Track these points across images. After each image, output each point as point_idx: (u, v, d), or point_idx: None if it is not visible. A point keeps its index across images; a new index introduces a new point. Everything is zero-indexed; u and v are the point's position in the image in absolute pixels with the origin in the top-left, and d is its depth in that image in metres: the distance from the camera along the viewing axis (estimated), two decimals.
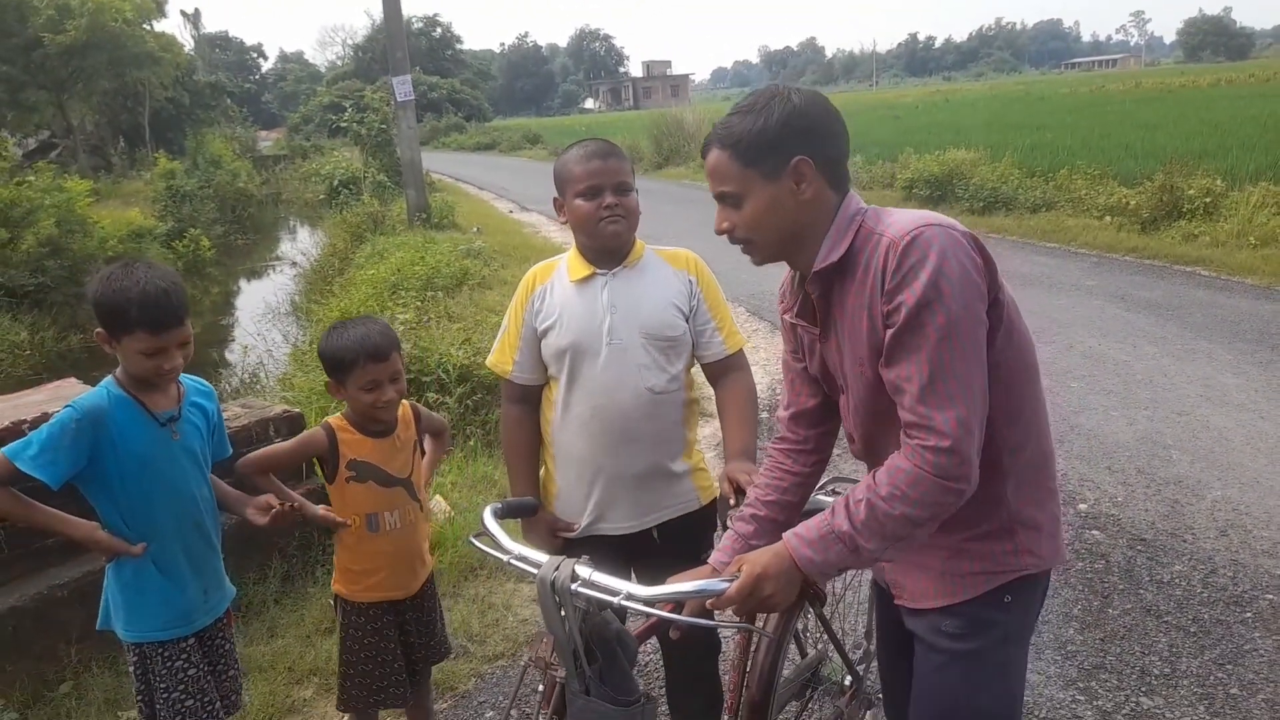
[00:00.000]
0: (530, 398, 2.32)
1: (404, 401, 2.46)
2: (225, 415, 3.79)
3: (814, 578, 1.54)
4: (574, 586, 1.53)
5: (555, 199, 2.20)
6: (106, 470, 2.05)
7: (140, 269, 2.02)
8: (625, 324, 2.16)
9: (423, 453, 2.54)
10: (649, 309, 2.18)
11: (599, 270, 2.18)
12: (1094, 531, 3.93)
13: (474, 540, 1.77)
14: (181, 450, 2.16)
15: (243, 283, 17.36)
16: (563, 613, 1.55)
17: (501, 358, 2.30)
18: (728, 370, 2.28)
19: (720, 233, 1.62)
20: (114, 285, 1.99)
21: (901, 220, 1.49)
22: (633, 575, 2.25)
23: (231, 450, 2.40)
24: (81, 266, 12.64)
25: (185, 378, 2.24)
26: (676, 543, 2.25)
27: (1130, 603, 3.40)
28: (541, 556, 1.63)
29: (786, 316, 1.74)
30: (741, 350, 2.30)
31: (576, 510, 2.27)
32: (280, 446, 2.46)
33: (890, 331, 1.46)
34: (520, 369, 2.28)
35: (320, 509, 2.40)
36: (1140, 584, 3.53)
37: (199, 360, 10.48)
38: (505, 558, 1.67)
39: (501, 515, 1.85)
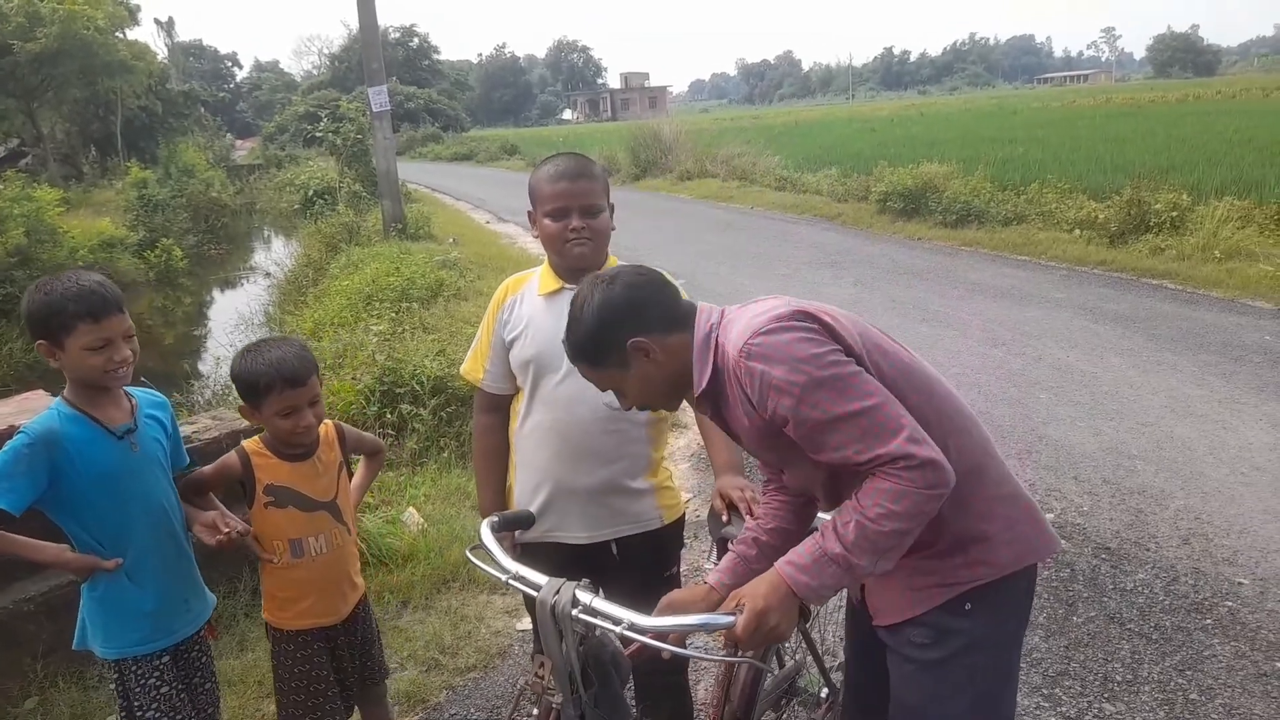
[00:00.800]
0: (501, 407, 2.35)
1: (326, 421, 2.40)
2: (195, 427, 3.81)
3: (812, 602, 1.58)
4: (574, 612, 1.53)
5: (529, 211, 2.22)
6: (70, 491, 2.02)
7: (69, 274, 2.02)
8: None
9: (351, 474, 2.49)
10: None
11: (567, 285, 2.18)
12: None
13: (470, 554, 1.77)
14: (144, 461, 2.13)
15: (216, 293, 17.22)
16: (562, 637, 1.55)
17: (473, 366, 2.34)
18: None
19: (625, 410, 1.78)
20: (45, 289, 1.98)
21: (733, 337, 1.60)
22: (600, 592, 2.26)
23: (189, 461, 2.37)
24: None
25: (136, 391, 2.21)
26: (637, 560, 2.27)
27: (1094, 610, 3.46)
28: (540, 578, 1.62)
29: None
30: None
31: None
32: (203, 470, 2.37)
33: (793, 430, 1.54)
34: (491, 378, 2.30)
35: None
36: (1104, 592, 3.59)
37: (170, 370, 10.43)
38: (504, 577, 1.67)
39: (499, 529, 1.85)
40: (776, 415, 1.53)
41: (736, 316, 1.64)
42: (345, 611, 2.41)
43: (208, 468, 2.38)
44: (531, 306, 2.23)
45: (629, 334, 1.63)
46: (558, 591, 1.56)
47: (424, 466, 5.08)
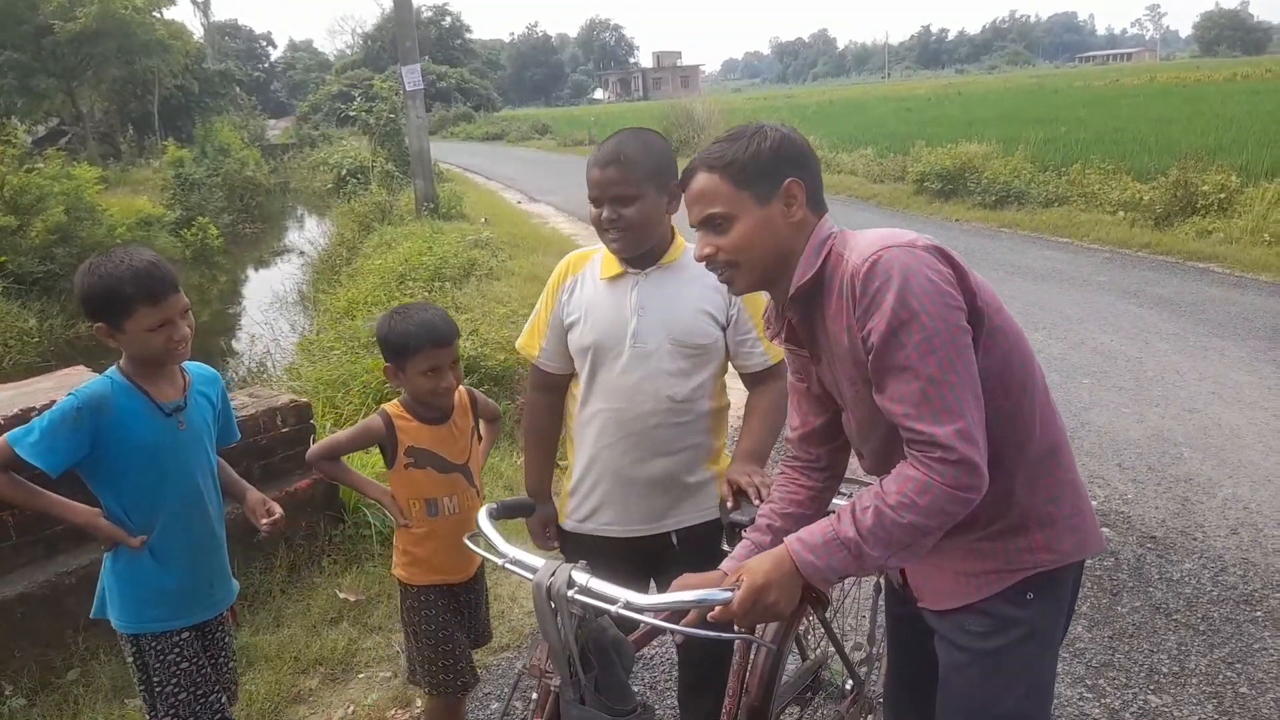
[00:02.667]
0: (556, 387, 2.28)
1: (460, 387, 2.46)
2: (233, 404, 3.82)
3: (815, 583, 1.52)
4: (570, 593, 1.49)
5: None
6: (109, 459, 2.02)
7: (118, 253, 2.00)
8: (652, 328, 2.09)
9: (479, 438, 2.54)
10: (679, 314, 2.10)
11: (630, 270, 2.12)
12: (1103, 529, 3.89)
13: (468, 541, 1.75)
14: (188, 441, 2.12)
15: (251, 271, 17.40)
16: (558, 619, 1.52)
17: (529, 342, 2.27)
18: (766, 379, 2.24)
19: (702, 259, 1.62)
20: (100, 272, 1.96)
21: (861, 245, 1.50)
22: (653, 586, 2.22)
23: (240, 436, 2.39)
24: (90, 254, 12.63)
25: (190, 365, 2.21)
26: (697, 550, 2.19)
27: (1139, 600, 3.38)
28: (538, 560, 1.59)
29: (775, 342, 1.75)
30: (783, 361, 2.26)
31: (588, 507, 2.24)
32: (340, 435, 2.47)
33: (872, 358, 1.46)
34: (547, 356, 2.24)
35: (386, 496, 2.42)
36: (1149, 582, 3.50)
37: (206, 348, 10.54)
38: (501, 561, 1.64)
39: (498, 516, 1.81)
40: (868, 337, 1.45)
41: (857, 234, 1.56)
42: (471, 570, 2.48)
43: (343, 433, 2.48)
44: (593, 290, 2.16)
45: (793, 173, 1.55)
46: (553, 573, 1.52)
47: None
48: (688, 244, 2.17)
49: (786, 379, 2.25)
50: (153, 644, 2.14)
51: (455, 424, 2.41)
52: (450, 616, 2.45)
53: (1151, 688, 2.90)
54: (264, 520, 2.22)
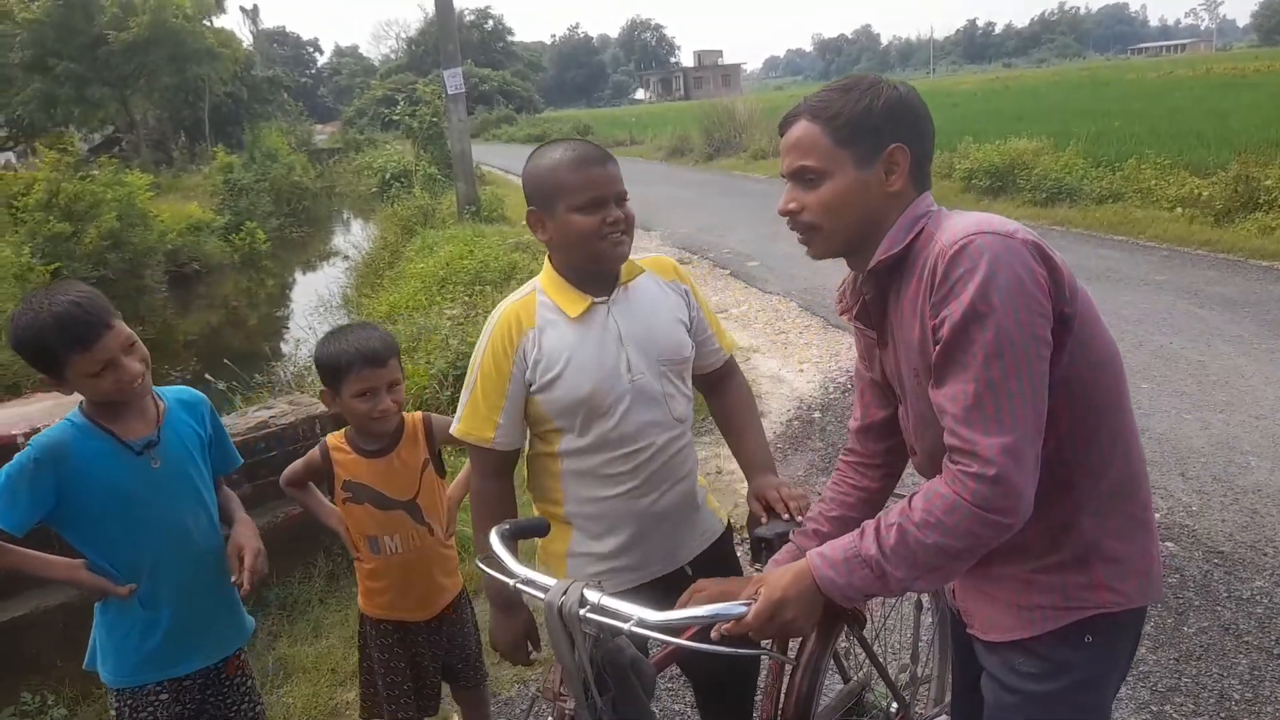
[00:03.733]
0: (509, 466, 1.97)
1: (417, 414, 2.33)
2: (273, 412, 3.82)
3: (838, 601, 1.42)
4: (583, 612, 1.42)
5: (531, 212, 1.86)
6: (79, 509, 1.87)
7: (38, 297, 1.82)
8: (643, 356, 1.89)
9: (442, 472, 2.38)
10: (661, 332, 1.93)
11: (596, 299, 1.88)
12: (1167, 543, 3.72)
13: (480, 564, 1.67)
14: (165, 478, 1.95)
15: (297, 275, 17.65)
16: (573, 640, 1.45)
17: (476, 426, 1.89)
18: (727, 375, 2.13)
19: (785, 213, 1.50)
20: (22, 323, 1.78)
21: (957, 225, 1.37)
22: None
23: (241, 461, 2.25)
24: (141, 259, 12.94)
25: (169, 391, 2.06)
26: (711, 573, 2.10)
27: (1207, 620, 3.21)
28: (549, 580, 1.52)
29: (845, 318, 1.63)
30: (732, 355, 2.17)
31: (601, 569, 1.98)
32: (295, 464, 2.39)
33: (937, 348, 1.35)
34: (504, 435, 1.89)
35: (342, 525, 2.34)
36: (1218, 600, 3.33)
37: (254, 352, 10.67)
38: (511, 582, 1.56)
39: (509, 537, 1.71)
40: (940, 326, 1.33)
41: (955, 215, 1.44)
42: (429, 612, 2.37)
43: (298, 462, 2.38)
44: (564, 336, 1.86)
45: (901, 139, 1.43)
46: (565, 592, 1.45)
47: None
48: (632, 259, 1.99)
49: (740, 371, 2.17)
50: (129, 699, 2.00)
51: (399, 457, 2.25)
52: (399, 652, 2.36)
53: (1222, 715, 2.74)
54: (234, 577, 2.00)
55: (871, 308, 1.52)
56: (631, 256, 1.95)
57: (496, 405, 1.87)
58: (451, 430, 1.96)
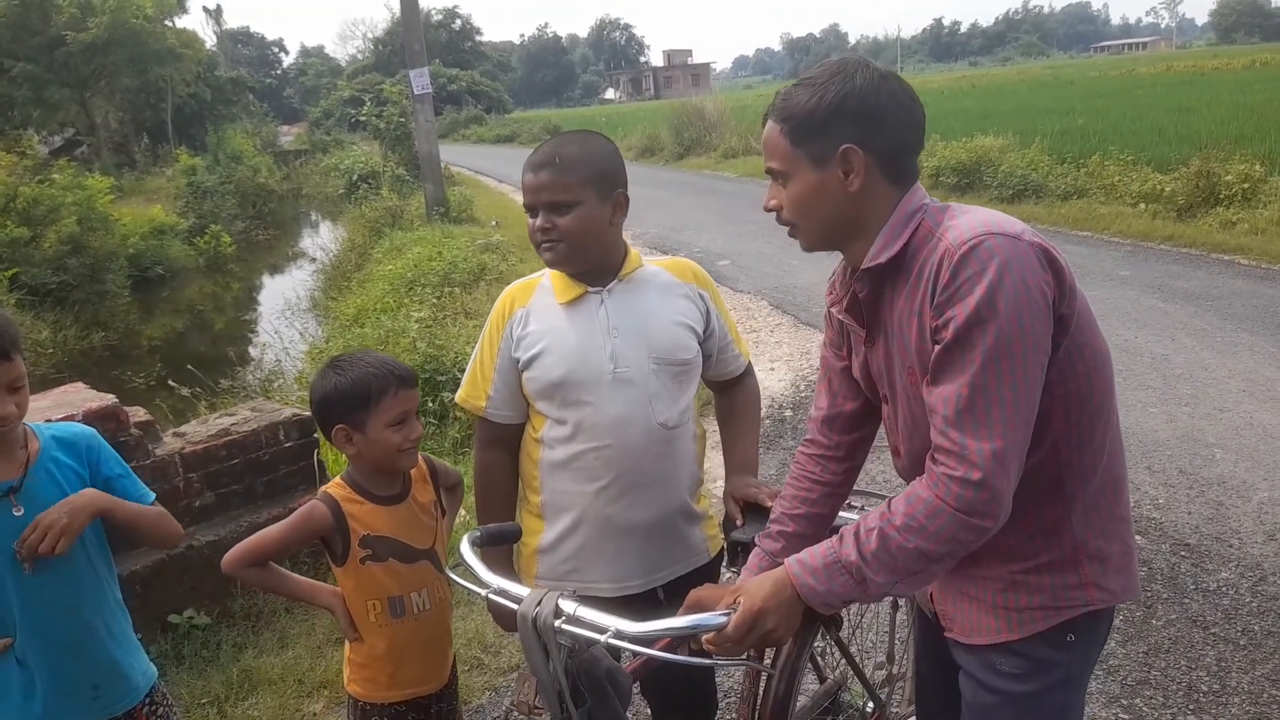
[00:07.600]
0: (509, 440, 2.00)
1: (418, 456, 2.04)
2: (234, 419, 3.74)
3: (818, 608, 1.40)
4: (557, 623, 1.39)
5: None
6: None
7: None
8: (632, 348, 1.87)
9: (442, 512, 2.09)
10: (657, 329, 1.91)
11: (591, 289, 1.89)
12: (1136, 537, 3.75)
13: (450, 573, 1.64)
14: (29, 524, 1.70)
15: (264, 278, 17.42)
16: (547, 652, 1.42)
17: (472, 392, 1.97)
18: (742, 379, 2.13)
19: (768, 210, 1.50)
20: None
21: (964, 224, 1.34)
22: None
23: (154, 497, 1.92)
24: (103, 264, 12.69)
25: (46, 428, 1.84)
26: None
27: (1175, 613, 3.24)
28: (522, 590, 1.48)
29: (834, 309, 1.60)
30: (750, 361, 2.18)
31: (566, 569, 1.97)
32: (269, 532, 1.89)
33: (937, 348, 1.32)
34: (496, 405, 1.95)
35: (337, 601, 1.95)
36: (1185, 593, 3.36)
37: (220, 357, 10.52)
38: (484, 592, 1.53)
39: (481, 543, 1.67)
40: (943, 327, 1.31)
41: (959, 210, 1.40)
42: (445, 674, 2.06)
43: (277, 526, 1.89)
44: (550, 319, 1.90)
45: (851, 138, 1.37)
46: (539, 602, 1.41)
47: (466, 456, 4.99)
48: (647, 261, 2.00)
49: (754, 375, 2.16)
50: None
51: (416, 500, 1.97)
52: None
53: (1191, 707, 2.77)
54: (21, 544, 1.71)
55: (864, 305, 1.50)
56: (654, 259, 2.03)
57: (488, 376, 1.96)
58: (456, 398, 2.03)
